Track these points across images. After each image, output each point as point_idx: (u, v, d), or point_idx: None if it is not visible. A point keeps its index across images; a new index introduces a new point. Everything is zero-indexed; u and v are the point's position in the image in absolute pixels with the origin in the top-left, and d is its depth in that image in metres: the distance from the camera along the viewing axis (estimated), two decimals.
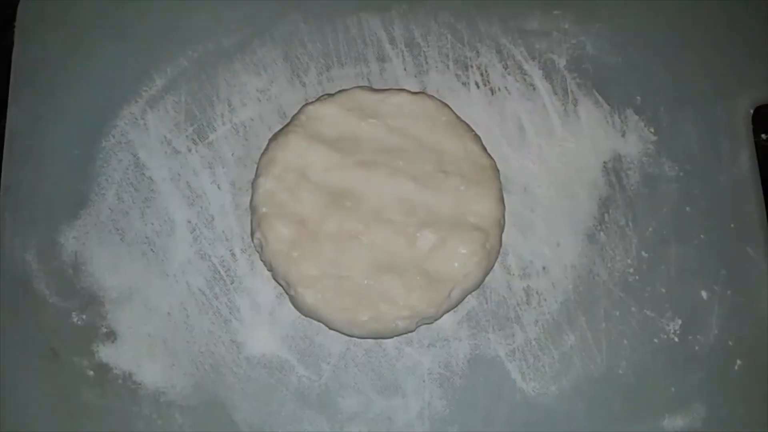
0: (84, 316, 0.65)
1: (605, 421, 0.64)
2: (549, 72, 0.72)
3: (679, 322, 0.66)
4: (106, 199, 0.68)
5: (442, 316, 0.64)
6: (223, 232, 0.67)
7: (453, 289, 0.63)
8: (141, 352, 0.65)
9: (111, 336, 0.65)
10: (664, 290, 0.67)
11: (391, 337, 0.65)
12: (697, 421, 0.64)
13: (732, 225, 0.68)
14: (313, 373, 0.65)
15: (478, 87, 0.71)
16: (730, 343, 0.66)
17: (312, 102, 0.67)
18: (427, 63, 0.72)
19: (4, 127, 0.69)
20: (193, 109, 0.70)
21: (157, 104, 0.70)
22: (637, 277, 0.67)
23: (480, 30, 0.73)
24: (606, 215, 0.69)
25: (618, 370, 0.65)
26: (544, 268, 0.67)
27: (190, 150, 0.69)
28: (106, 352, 0.64)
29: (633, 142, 0.70)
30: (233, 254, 0.67)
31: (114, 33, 0.72)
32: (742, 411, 0.65)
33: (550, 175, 0.69)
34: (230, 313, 0.66)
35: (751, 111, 0.71)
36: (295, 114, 0.67)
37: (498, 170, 0.66)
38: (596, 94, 0.71)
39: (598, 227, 0.68)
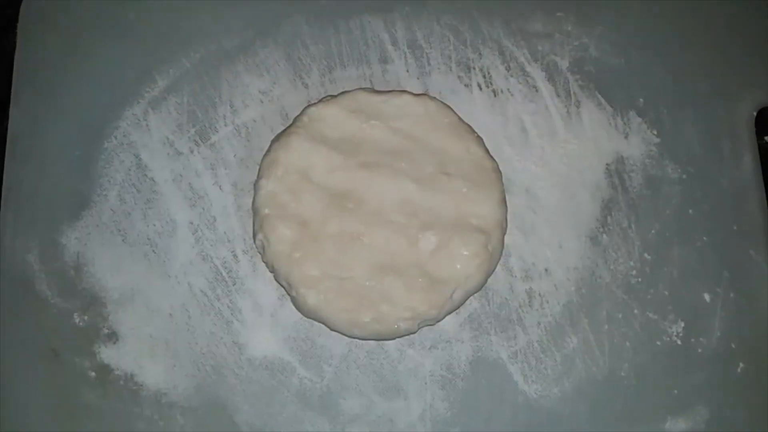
0: (85, 317, 0.65)
1: (607, 424, 0.64)
2: (552, 74, 0.72)
3: (682, 324, 0.66)
4: (108, 200, 0.68)
5: (443, 317, 0.64)
6: (225, 233, 0.67)
7: (455, 290, 0.63)
8: (142, 353, 0.64)
9: (112, 337, 0.65)
10: (666, 292, 0.67)
11: (393, 339, 0.65)
12: (700, 424, 0.64)
13: (735, 227, 0.68)
14: (315, 374, 0.65)
15: (480, 89, 0.71)
16: (733, 345, 0.66)
17: (314, 103, 0.67)
18: (429, 65, 0.72)
19: (6, 128, 0.69)
20: (195, 111, 0.70)
21: (159, 105, 0.70)
22: (639, 280, 0.67)
23: (482, 32, 0.73)
24: (609, 217, 0.68)
25: (620, 373, 0.65)
26: (546, 270, 0.67)
27: (192, 151, 0.69)
28: (107, 353, 0.64)
29: (636, 144, 0.70)
30: (235, 255, 0.67)
31: (116, 34, 0.72)
32: (744, 413, 0.65)
33: (553, 177, 0.69)
34: (232, 314, 0.66)
35: (754, 113, 0.71)
36: (298, 115, 0.67)
37: (500, 172, 0.66)
38: (599, 96, 0.71)
39: (601, 229, 0.68)
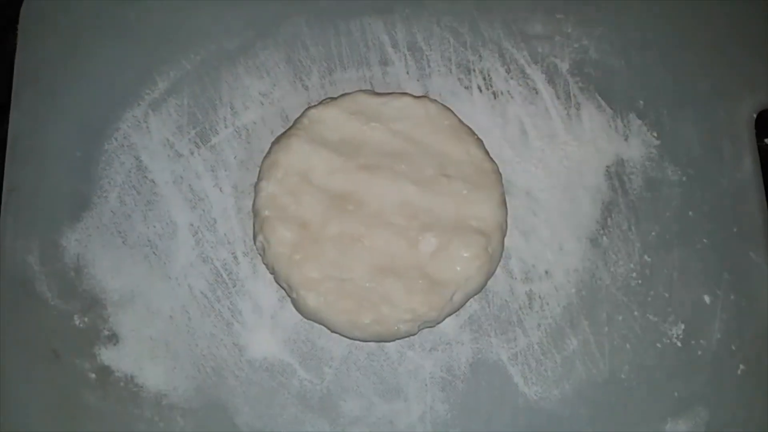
0: (86, 319, 0.65)
1: (608, 426, 0.64)
2: (552, 76, 0.72)
3: (682, 326, 0.66)
4: (108, 201, 0.68)
5: (444, 319, 0.64)
6: (225, 235, 0.67)
7: (455, 292, 0.63)
8: (143, 354, 0.64)
9: (113, 338, 0.65)
10: (666, 294, 0.67)
11: (393, 341, 0.65)
12: (700, 426, 0.64)
13: (735, 229, 0.68)
14: (315, 376, 0.65)
15: (480, 91, 0.72)
16: (733, 347, 0.66)
17: (314, 105, 0.67)
18: (429, 67, 0.72)
19: (6, 129, 0.69)
20: (196, 112, 0.70)
21: (160, 107, 0.70)
22: (639, 282, 0.67)
23: (482, 34, 0.73)
24: (609, 219, 0.69)
25: (620, 375, 0.65)
26: (546, 272, 0.67)
27: (192, 153, 0.69)
28: (107, 355, 0.64)
29: (636, 146, 0.70)
30: (235, 257, 0.67)
31: (116, 35, 0.72)
32: (744, 415, 0.65)
33: (553, 179, 0.69)
34: (232, 316, 0.66)
35: (754, 115, 0.71)
36: (298, 117, 0.67)
37: (500, 174, 0.66)
38: (599, 98, 0.71)
39: (601, 231, 0.68)
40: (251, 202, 0.66)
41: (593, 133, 0.71)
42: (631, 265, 0.67)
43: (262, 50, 0.72)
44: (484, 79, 0.72)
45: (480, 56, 0.72)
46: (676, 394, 0.65)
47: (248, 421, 0.63)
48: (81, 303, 0.65)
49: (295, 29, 0.72)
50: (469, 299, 0.65)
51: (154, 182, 0.68)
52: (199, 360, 0.64)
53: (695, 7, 0.74)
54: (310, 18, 0.72)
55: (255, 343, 0.65)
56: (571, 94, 0.72)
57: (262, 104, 0.71)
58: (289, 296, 0.64)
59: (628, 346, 0.66)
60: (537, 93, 0.72)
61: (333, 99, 0.68)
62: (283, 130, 0.68)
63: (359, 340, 0.64)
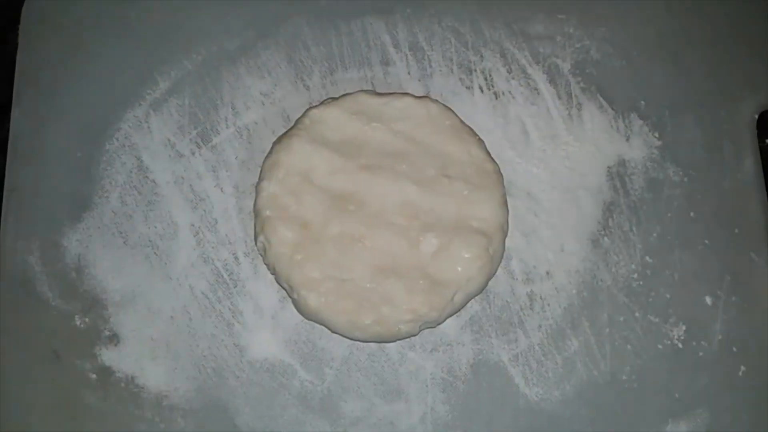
0: (87, 319, 0.65)
1: (609, 427, 0.64)
2: (553, 76, 0.72)
3: (683, 327, 0.66)
4: (109, 202, 0.68)
5: (445, 320, 0.64)
6: (227, 235, 0.67)
7: (456, 293, 0.63)
8: (143, 355, 0.64)
9: (114, 339, 0.65)
10: (668, 296, 0.67)
11: (394, 341, 0.65)
12: (701, 427, 0.64)
13: (736, 230, 0.68)
14: (316, 377, 0.65)
15: (482, 91, 0.71)
16: (734, 348, 0.66)
17: (316, 105, 0.67)
18: (431, 67, 0.72)
19: (7, 129, 0.69)
20: (197, 113, 0.70)
21: (161, 107, 0.70)
22: (641, 283, 0.67)
23: (484, 34, 0.73)
24: (610, 220, 0.68)
25: (622, 376, 0.65)
26: (547, 272, 0.67)
27: (193, 153, 0.69)
28: (108, 355, 0.64)
29: (637, 146, 0.70)
30: (236, 258, 0.67)
31: (118, 36, 0.72)
32: (746, 417, 0.65)
33: (554, 180, 0.69)
34: (233, 316, 0.66)
35: (756, 116, 0.71)
36: (299, 117, 0.67)
37: (501, 174, 0.66)
38: (600, 98, 0.71)
39: (602, 232, 0.68)
40: (252, 203, 0.66)
41: (594, 134, 0.71)
42: (633, 266, 0.67)
43: (263, 50, 0.72)
44: (486, 79, 0.72)
45: (481, 56, 0.72)
46: (677, 395, 0.65)
47: (249, 421, 0.63)
48: (82, 303, 0.65)
49: (296, 29, 0.72)
50: (470, 300, 0.64)
51: (155, 182, 0.68)
52: (199, 360, 0.64)
53: (697, 7, 0.74)
54: (311, 18, 0.72)
55: (256, 344, 0.65)
56: (573, 95, 0.71)
57: (264, 104, 0.71)
58: (290, 296, 0.64)
59: (629, 347, 0.66)
60: (538, 93, 0.71)
61: (334, 99, 0.68)
62: (284, 130, 0.68)
63: (360, 340, 0.64)
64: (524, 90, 0.72)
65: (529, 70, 0.72)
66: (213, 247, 0.67)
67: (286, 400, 0.64)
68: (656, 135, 0.71)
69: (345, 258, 0.62)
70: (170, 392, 0.64)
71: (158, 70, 0.71)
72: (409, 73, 0.72)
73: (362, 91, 0.68)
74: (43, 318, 0.65)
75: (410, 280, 0.62)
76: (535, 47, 0.72)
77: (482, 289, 0.64)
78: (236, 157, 0.69)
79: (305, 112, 0.67)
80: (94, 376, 0.64)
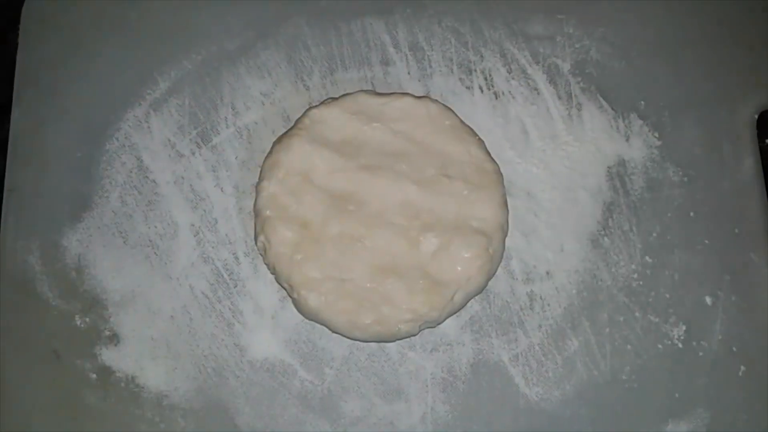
0: (87, 319, 0.65)
1: (609, 426, 0.64)
2: (553, 76, 0.72)
3: (683, 327, 0.66)
4: (109, 201, 0.68)
5: (445, 320, 0.64)
6: (227, 235, 0.67)
7: (456, 292, 0.63)
8: (144, 355, 0.65)
9: (114, 339, 0.65)
10: (668, 296, 0.67)
11: (394, 341, 0.65)
12: (701, 427, 0.64)
13: (736, 230, 0.68)
14: (316, 377, 0.65)
15: (481, 91, 0.71)
16: (734, 348, 0.66)
17: (316, 105, 0.67)
18: (430, 67, 0.72)
19: (7, 130, 0.69)
20: (197, 113, 0.70)
21: (161, 107, 0.70)
22: (641, 283, 0.67)
23: (484, 34, 0.73)
24: (610, 220, 0.68)
25: (622, 376, 0.65)
26: (547, 272, 0.67)
27: (193, 153, 0.69)
28: (108, 355, 0.64)
29: (637, 146, 0.70)
30: (236, 257, 0.67)
31: (118, 36, 0.72)
32: (746, 417, 0.65)
33: (554, 180, 0.69)
34: (233, 316, 0.66)
35: (756, 116, 0.71)
36: (299, 117, 0.67)
37: (501, 174, 0.66)
38: (600, 98, 0.71)
39: (602, 232, 0.68)
40: (252, 202, 0.66)
41: (594, 134, 0.71)
42: (632, 266, 0.67)
43: (263, 50, 0.72)
44: (486, 79, 0.72)
45: (481, 56, 0.72)
46: (677, 395, 0.65)
47: (249, 421, 0.63)
48: (82, 303, 0.65)
49: (296, 29, 0.72)
50: (470, 299, 0.64)
51: (155, 182, 0.68)
52: (200, 360, 0.64)
53: (696, 7, 0.74)
54: (311, 18, 0.72)
55: (256, 344, 0.65)
56: (573, 95, 0.71)
57: (264, 104, 0.71)
58: (290, 296, 0.64)
59: (629, 347, 0.66)
60: (538, 93, 0.71)
61: (334, 99, 0.68)
62: (284, 130, 0.68)
63: (360, 340, 0.64)
64: (524, 90, 0.72)
65: (529, 70, 0.72)
66: (213, 247, 0.67)
67: (286, 400, 0.64)
68: (656, 135, 0.71)
69: (345, 258, 0.62)
70: (170, 392, 0.64)
71: (158, 70, 0.71)
72: (409, 73, 0.72)
73: (362, 91, 0.68)
74: (43, 318, 0.65)
75: (410, 280, 0.62)
76: (535, 47, 0.73)
77: (482, 288, 0.64)
78: (236, 157, 0.69)
79: (305, 112, 0.67)
80: (94, 376, 0.64)
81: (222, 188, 0.68)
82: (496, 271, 0.65)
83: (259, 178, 0.66)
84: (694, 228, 0.68)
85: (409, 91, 0.69)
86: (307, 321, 0.65)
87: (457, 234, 0.63)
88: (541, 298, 0.67)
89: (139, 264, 0.66)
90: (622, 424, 0.64)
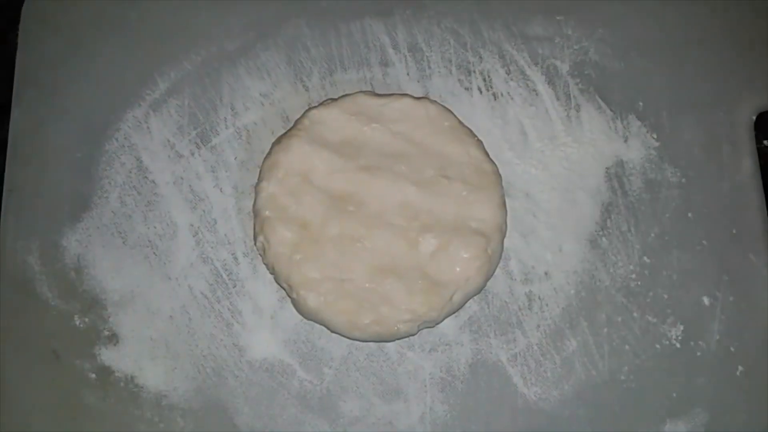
0: (86, 319, 0.65)
1: (607, 426, 0.64)
2: (551, 77, 0.72)
3: (681, 327, 0.66)
4: (108, 202, 0.68)
5: (443, 320, 0.64)
6: (226, 235, 0.67)
7: (454, 293, 0.63)
8: (143, 355, 0.65)
9: (113, 339, 0.65)
10: (666, 296, 0.67)
11: (393, 341, 0.65)
12: (699, 427, 0.64)
13: (734, 231, 0.68)
14: (315, 377, 0.65)
15: (480, 92, 0.72)
16: (732, 348, 0.66)
17: (315, 106, 0.68)
18: (429, 68, 0.72)
19: (7, 130, 0.69)
20: (197, 113, 0.70)
21: (161, 108, 0.70)
22: (639, 283, 0.67)
23: (483, 35, 0.73)
24: (608, 221, 0.69)
25: (620, 376, 0.65)
26: (546, 273, 0.67)
27: (193, 154, 0.69)
28: (108, 355, 0.64)
29: (635, 147, 0.70)
30: (235, 258, 0.67)
31: (117, 36, 0.72)
32: (743, 417, 0.65)
33: (553, 181, 0.69)
34: (232, 316, 0.66)
35: (754, 117, 0.71)
36: (299, 118, 0.67)
37: (500, 175, 0.66)
38: (599, 99, 0.72)
39: (601, 233, 0.68)
40: (252, 203, 0.66)
41: (593, 135, 0.71)
42: (631, 267, 0.68)
43: (262, 51, 0.72)
44: (485, 80, 0.72)
45: (480, 57, 0.72)
46: (675, 395, 0.65)
47: (248, 421, 0.64)
48: (81, 303, 0.65)
49: (295, 30, 0.72)
50: (468, 300, 0.65)
51: (154, 183, 0.68)
52: (199, 360, 0.65)
53: (695, 8, 0.74)
54: (310, 19, 0.73)
55: (255, 344, 0.65)
56: (571, 96, 0.72)
57: (263, 105, 0.71)
58: (290, 296, 0.64)
59: (627, 347, 0.66)
60: (537, 94, 0.72)
61: (333, 100, 0.68)
62: (283, 131, 0.68)
63: (359, 340, 0.64)
64: (523, 91, 0.72)
65: (528, 72, 0.72)
66: (212, 247, 0.67)
67: (285, 400, 0.64)
68: (654, 136, 0.71)
69: (344, 258, 0.63)
70: (169, 392, 0.64)
71: (158, 70, 0.71)
72: (408, 74, 0.72)
73: (361, 92, 0.68)
74: (42, 318, 0.65)
75: (409, 281, 0.62)
76: (533, 48, 0.73)
77: (481, 289, 0.65)
78: (235, 158, 0.69)
79: (304, 112, 0.67)
80: (93, 375, 0.64)
81: (221, 189, 0.69)
82: (494, 272, 0.65)
83: (259, 179, 0.66)
84: (693, 228, 0.68)
85: (408, 92, 0.69)
86: (306, 321, 0.65)
87: (456, 235, 0.63)
88: (539, 298, 0.67)
89: (139, 264, 0.66)
90: (621, 424, 0.64)
